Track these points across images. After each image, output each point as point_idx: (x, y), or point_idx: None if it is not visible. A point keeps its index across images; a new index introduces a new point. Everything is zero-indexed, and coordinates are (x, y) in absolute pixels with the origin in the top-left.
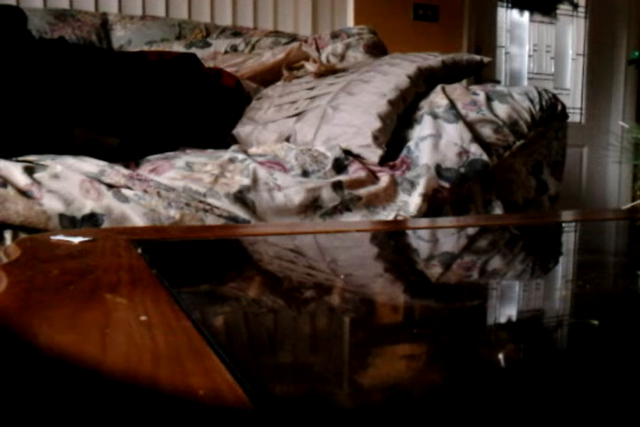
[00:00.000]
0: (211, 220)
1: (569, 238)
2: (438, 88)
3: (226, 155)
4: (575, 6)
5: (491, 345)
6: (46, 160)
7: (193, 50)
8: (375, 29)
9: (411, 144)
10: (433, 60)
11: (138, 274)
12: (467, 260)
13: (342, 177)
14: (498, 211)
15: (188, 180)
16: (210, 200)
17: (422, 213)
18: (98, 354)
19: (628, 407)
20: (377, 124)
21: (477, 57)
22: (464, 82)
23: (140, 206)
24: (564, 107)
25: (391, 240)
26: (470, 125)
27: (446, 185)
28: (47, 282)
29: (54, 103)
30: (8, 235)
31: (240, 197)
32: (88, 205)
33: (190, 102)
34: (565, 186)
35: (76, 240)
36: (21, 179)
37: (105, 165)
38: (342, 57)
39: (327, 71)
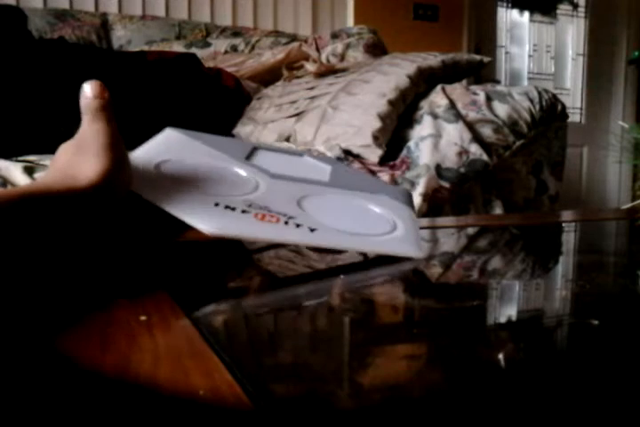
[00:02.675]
0: None
1: (569, 238)
2: (438, 88)
3: None
4: (575, 6)
5: (491, 345)
6: (46, 160)
7: (193, 50)
8: (375, 29)
9: (411, 144)
10: (433, 60)
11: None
12: (466, 260)
13: None
14: (498, 211)
15: None
16: None
17: (422, 213)
18: (98, 354)
19: (628, 407)
20: (377, 124)
21: (477, 57)
22: (464, 82)
23: None
24: (563, 107)
25: None
26: (470, 125)
27: (446, 185)
28: None
29: (54, 103)
30: None
31: None
32: None
33: (190, 102)
34: (565, 186)
35: None
36: (21, 179)
37: None
38: (342, 57)
39: (327, 71)
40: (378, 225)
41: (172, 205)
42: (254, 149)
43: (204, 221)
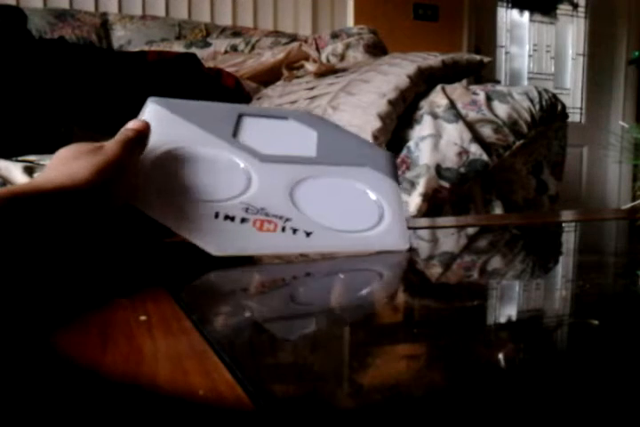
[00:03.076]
0: None
1: (569, 238)
2: (438, 88)
3: None
4: (575, 6)
5: (490, 345)
6: (46, 160)
7: (193, 50)
8: (375, 29)
9: (411, 144)
10: (433, 60)
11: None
12: (466, 260)
13: None
14: (498, 211)
15: None
16: None
17: (422, 213)
18: (98, 354)
19: (628, 407)
20: (377, 123)
21: (477, 57)
22: (464, 82)
23: None
24: (563, 107)
25: None
26: (470, 125)
27: (446, 185)
28: None
29: (54, 103)
30: None
31: None
32: None
33: None
34: (565, 186)
35: None
36: (21, 179)
37: None
38: (342, 57)
39: (327, 71)
40: (367, 214)
41: (176, 222)
42: (240, 118)
43: (208, 242)
